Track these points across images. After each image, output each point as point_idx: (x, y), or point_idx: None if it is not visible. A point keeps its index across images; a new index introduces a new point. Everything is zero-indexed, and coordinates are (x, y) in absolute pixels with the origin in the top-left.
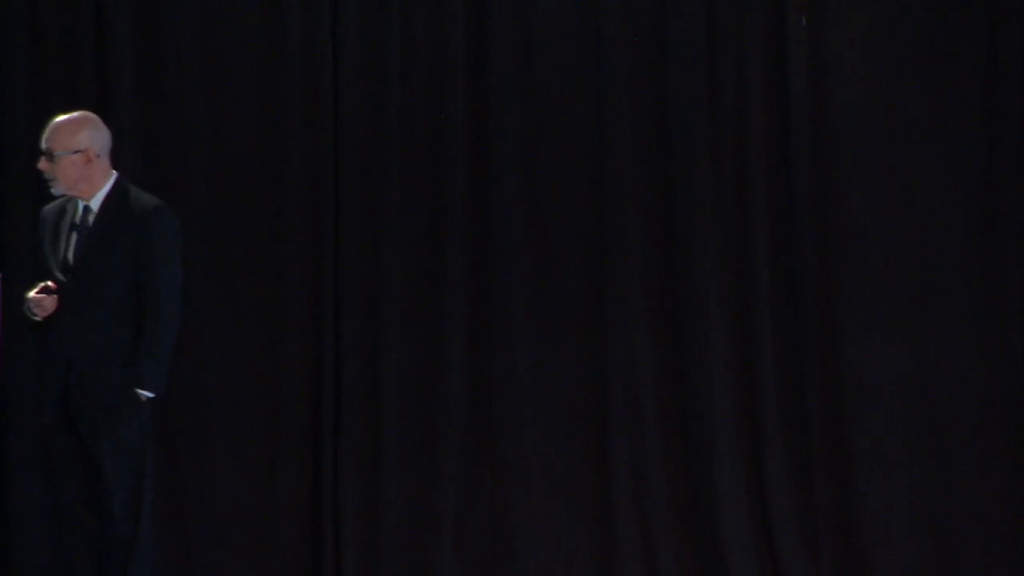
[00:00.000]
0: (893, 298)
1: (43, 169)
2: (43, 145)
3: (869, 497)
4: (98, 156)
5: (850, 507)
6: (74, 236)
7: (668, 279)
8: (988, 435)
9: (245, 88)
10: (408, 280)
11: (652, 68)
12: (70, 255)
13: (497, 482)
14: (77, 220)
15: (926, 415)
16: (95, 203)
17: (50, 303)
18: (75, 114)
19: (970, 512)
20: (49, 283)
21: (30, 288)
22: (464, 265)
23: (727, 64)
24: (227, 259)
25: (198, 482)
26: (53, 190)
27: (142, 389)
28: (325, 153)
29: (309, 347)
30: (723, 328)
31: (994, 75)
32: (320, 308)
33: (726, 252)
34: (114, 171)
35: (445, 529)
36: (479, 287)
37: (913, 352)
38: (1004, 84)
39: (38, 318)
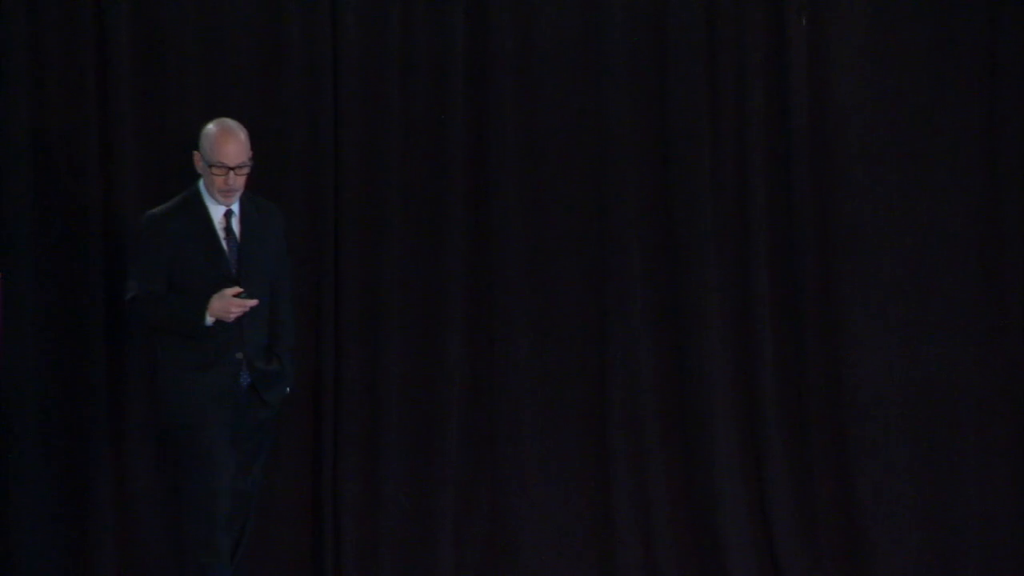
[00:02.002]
0: (893, 299)
1: (239, 185)
2: (243, 158)
3: (869, 497)
4: None
5: (850, 507)
6: (223, 242)
7: (668, 280)
8: (988, 435)
9: (245, 88)
10: (408, 280)
11: (652, 68)
12: (231, 260)
13: (497, 482)
14: (224, 227)
15: (926, 415)
16: (236, 208)
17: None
18: (225, 121)
19: (970, 512)
20: (237, 287)
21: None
22: (464, 265)
23: (727, 64)
24: None
25: None
26: (230, 201)
27: (287, 385)
28: (325, 153)
29: (309, 347)
30: (723, 328)
31: (994, 75)
32: (320, 308)
33: (726, 253)
34: None
35: (445, 529)
36: (479, 287)
37: (913, 352)
38: (1004, 84)
39: (210, 322)
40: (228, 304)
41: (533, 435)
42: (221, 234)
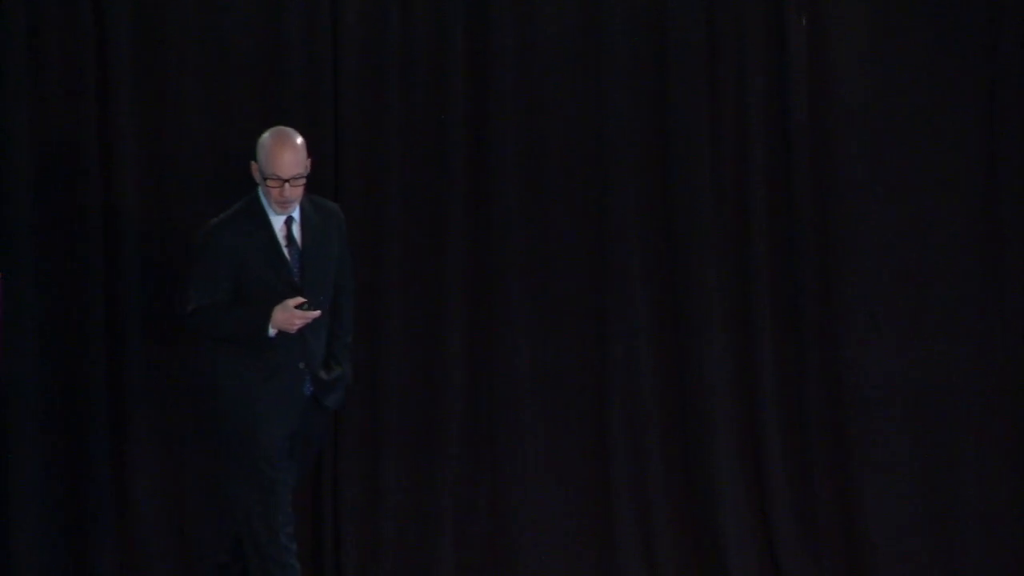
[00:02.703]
0: (893, 299)
1: (295, 196)
2: (298, 169)
3: (869, 497)
4: None
5: (850, 507)
6: (285, 251)
7: (668, 279)
8: (988, 435)
9: (245, 88)
10: (408, 280)
11: (652, 68)
12: (293, 268)
13: (497, 481)
14: (285, 235)
15: (926, 415)
16: (296, 215)
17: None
18: (281, 130)
19: (970, 512)
20: (300, 299)
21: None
22: (464, 265)
23: (727, 64)
24: None
25: (200, 482)
26: (288, 211)
27: (345, 385)
28: (325, 153)
29: None
30: (723, 328)
31: (994, 75)
32: None
33: (726, 252)
34: None
35: (445, 529)
36: (479, 287)
37: (913, 352)
38: (1004, 84)
39: (272, 333)
40: (291, 316)
41: (533, 435)
42: (283, 242)
